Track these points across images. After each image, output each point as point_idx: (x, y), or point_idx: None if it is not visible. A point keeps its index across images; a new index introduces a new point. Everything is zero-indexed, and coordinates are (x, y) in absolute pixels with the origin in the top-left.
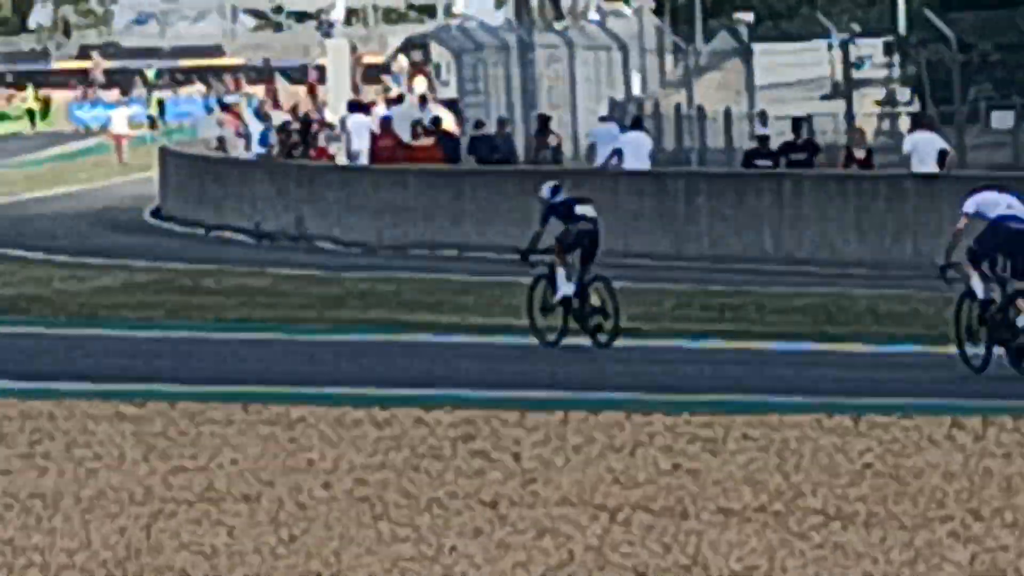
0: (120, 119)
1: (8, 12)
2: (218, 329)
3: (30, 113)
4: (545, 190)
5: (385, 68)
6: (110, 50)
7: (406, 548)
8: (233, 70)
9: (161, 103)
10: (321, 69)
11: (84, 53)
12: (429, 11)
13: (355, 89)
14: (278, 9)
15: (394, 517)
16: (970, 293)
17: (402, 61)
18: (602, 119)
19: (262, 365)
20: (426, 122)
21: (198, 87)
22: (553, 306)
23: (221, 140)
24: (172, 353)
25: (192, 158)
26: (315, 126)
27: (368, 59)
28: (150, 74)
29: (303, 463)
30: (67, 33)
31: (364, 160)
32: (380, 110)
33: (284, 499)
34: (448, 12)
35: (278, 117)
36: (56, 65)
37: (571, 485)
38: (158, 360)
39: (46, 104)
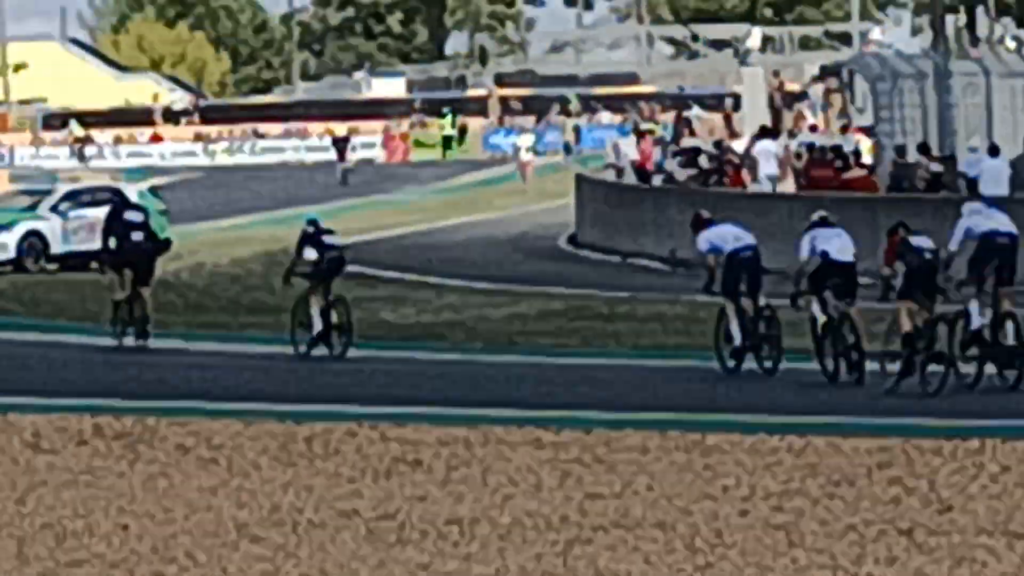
0: (522, 146)
1: (425, 40)
2: (634, 356)
3: (446, 140)
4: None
5: (801, 96)
6: (526, 78)
7: None
8: (648, 98)
9: (577, 130)
10: (737, 97)
11: (500, 81)
12: (845, 39)
13: (777, 115)
14: (694, 37)
15: (809, 544)
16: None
17: (818, 89)
18: (971, 150)
19: (677, 392)
20: (845, 150)
21: (608, 115)
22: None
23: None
24: (587, 380)
25: (608, 185)
26: (729, 154)
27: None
28: (572, 99)
29: (719, 490)
30: (483, 61)
31: (771, 187)
32: (804, 137)
33: (700, 526)
34: (864, 40)
35: (691, 144)
36: (472, 92)
37: (988, 513)
38: (576, 387)
39: (462, 131)
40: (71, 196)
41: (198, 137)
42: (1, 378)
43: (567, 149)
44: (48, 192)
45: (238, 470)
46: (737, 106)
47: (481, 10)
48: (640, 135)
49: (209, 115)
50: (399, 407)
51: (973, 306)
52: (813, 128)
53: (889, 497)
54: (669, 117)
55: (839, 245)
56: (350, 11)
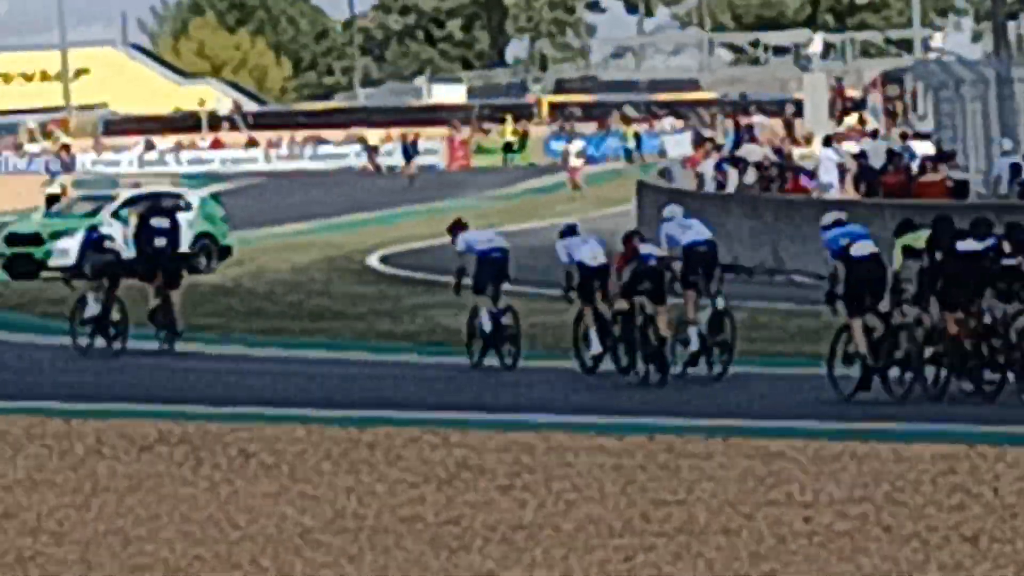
0: (572, 152)
1: (486, 46)
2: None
3: (507, 146)
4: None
5: (862, 102)
6: (587, 84)
7: None
8: (708, 104)
9: (638, 136)
10: (798, 103)
11: (560, 87)
12: (906, 46)
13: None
14: (755, 43)
15: (873, 551)
16: None
17: (878, 95)
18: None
19: (741, 399)
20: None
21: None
22: None
23: (664, 171)
24: (649, 386)
25: (669, 191)
26: (790, 160)
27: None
28: (629, 111)
29: (782, 496)
30: (543, 67)
31: (836, 193)
32: (852, 145)
33: (764, 532)
34: (926, 47)
35: (752, 152)
36: (533, 99)
37: None
38: (637, 393)
39: (523, 137)
40: (132, 202)
41: (252, 143)
42: (64, 383)
43: (627, 155)
44: (109, 198)
45: (301, 476)
46: (799, 112)
47: (542, 16)
48: (700, 142)
49: (270, 121)
50: (462, 412)
51: (692, 330)
52: (874, 134)
53: (953, 504)
54: (730, 123)
55: (589, 252)
56: (411, 17)
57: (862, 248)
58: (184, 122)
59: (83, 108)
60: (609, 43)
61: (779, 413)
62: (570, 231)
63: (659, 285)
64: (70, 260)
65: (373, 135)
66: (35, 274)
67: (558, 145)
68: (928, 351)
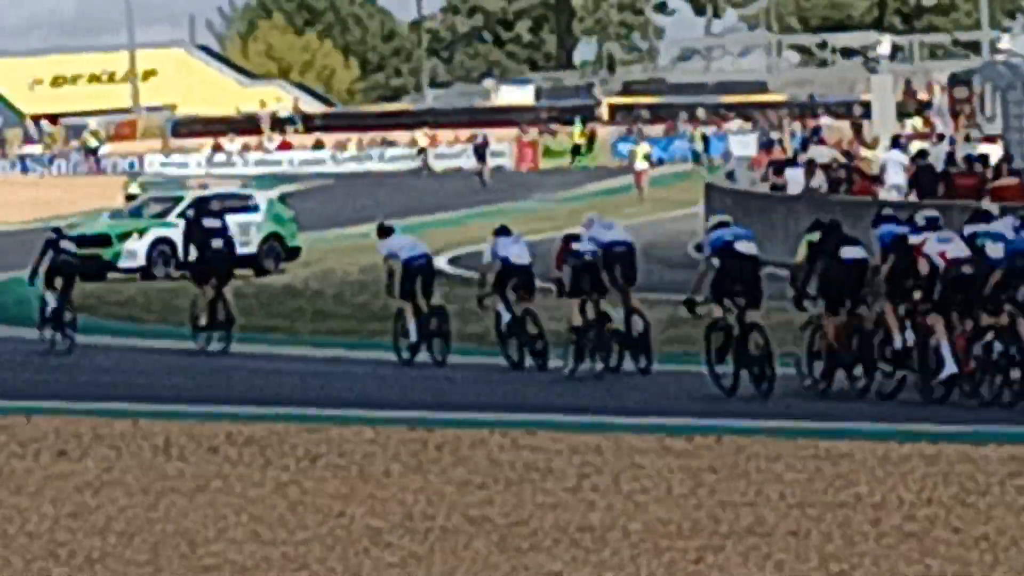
0: (639, 155)
1: (553, 48)
2: None
3: (575, 148)
4: None
5: (929, 104)
6: (654, 86)
7: None
8: (776, 106)
9: (705, 138)
10: (866, 105)
11: (628, 89)
12: (974, 47)
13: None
14: (823, 45)
15: (942, 553)
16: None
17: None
18: None
19: (812, 400)
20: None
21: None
22: None
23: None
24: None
25: (737, 194)
26: (857, 162)
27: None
28: (701, 113)
29: (851, 498)
30: (612, 69)
31: (902, 195)
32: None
33: (832, 534)
34: (994, 48)
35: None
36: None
37: None
38: (705, 394)
39: (591, 139)
40: (200, 203)
41: (320, 144)
42: (130, 383)
43: (695, 157)
44: (178, 199)
45: (369, 477)
46: (866, 114)
47: (610, 18)
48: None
49: (337, 123)
50: (530, 414)
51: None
52: (940, 137)
53: (1021, 505)
54: (797, 126)
55: (517, 251)
56: (479, 18)
57: (745, 247)
58: (252, 123)
59: (151, 110)
60: (677, 45)
61: (847, 415)
62: (504, 231)
63: (597, 280)
64: (139, 262)
65: (423, 137)
66: (103, 276)
67: (625, 147)
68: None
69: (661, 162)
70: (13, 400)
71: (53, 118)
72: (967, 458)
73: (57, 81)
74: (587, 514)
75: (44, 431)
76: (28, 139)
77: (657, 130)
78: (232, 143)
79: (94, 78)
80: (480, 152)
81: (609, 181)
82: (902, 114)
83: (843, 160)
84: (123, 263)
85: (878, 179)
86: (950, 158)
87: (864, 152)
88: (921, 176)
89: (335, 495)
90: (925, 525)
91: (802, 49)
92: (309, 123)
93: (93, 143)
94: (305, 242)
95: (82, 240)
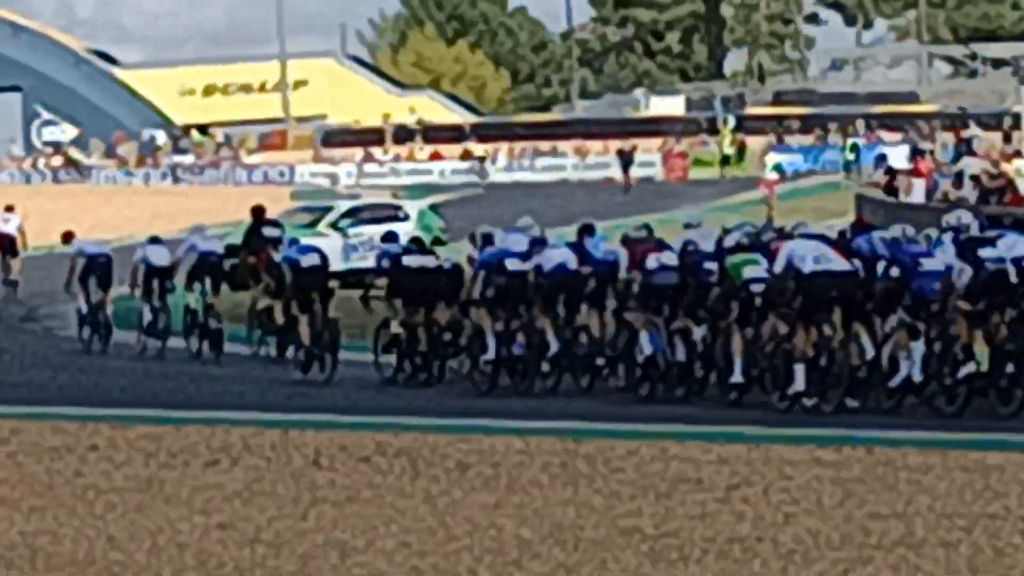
0: (767, 165)
1: (703, 58)
2: None
3: (725, 158)
4: None
5: None
6: (805, 96)
7: None
8: (927, 116)
9: (856, 148)
10: (1016, 116)
11: (778, 99)
12: None
13: None
14: (973, 56)
15: None
16: None
17: None
18: None
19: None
20: None
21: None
22: None
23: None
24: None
25: (888, 204)
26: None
27: None
28: (859, 125)
29: (1001, 509)
30: (761, 79)
31: None
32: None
33: (982, 546)
34: None
35: (972, 165)
36: (751, 111)
37: None
38: (855, 407)
39: (741, 149)
40: (351, 213)
41: (468, 154)
42: (278, 393)
43: (846, 168)
44: (328, 209)
45: (519, 488)
46: (1017, 125)
47: (760, 28)
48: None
49: (488, 132)
50: (679, 425)
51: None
52: None
53: None
54: (949, 136)
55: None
56: (629, 29)
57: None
58: (401, 134)
59: (301, 120)
60: (827, 55)
61: (996, 427)
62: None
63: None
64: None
65: (480, 148)
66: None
67: (776, 157)
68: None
69: (812, 172)
70: (162, 410)
71: (204, 128)
72: None
73: (208, 91)
74: (736, 525)
75: (194, 441)
76: (179, 149)
77: (807, 140)
78: (384, 153)
79: (245, 88)
80: (625, 162)
81: (760, 191)
82: None
83: (994, 171)
84: None
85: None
86: None
87: (1005, 165)
88: None
89: (485, 506)
90: None
91: (952, 60)
92: (459, 133)
93: (76, 155)
94: (456, 252)
95: (230, 250)
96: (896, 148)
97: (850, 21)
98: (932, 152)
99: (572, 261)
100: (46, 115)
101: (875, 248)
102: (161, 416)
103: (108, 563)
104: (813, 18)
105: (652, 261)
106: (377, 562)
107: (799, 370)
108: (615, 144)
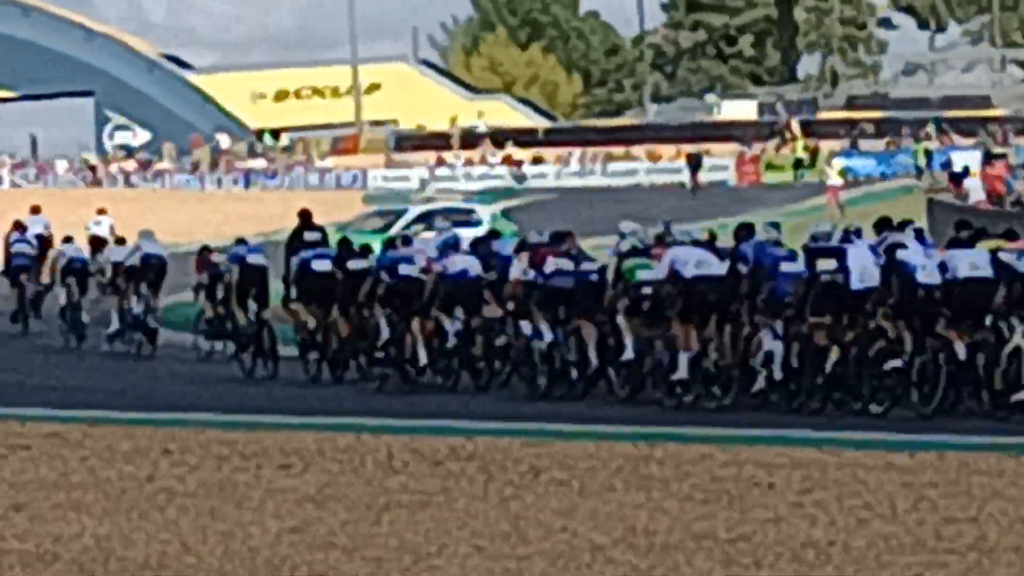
0: (832, 170)
1: (776, 63)
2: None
3: (797, 162)
4: None
5: None
6: (878, 101)
7: None
8: (1000, 121)
9: (928, 153)
10: None
11: (851, 103)
12: None
13: None
14: None
15: None
16: None
17: None
18: None
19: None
20: None
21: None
22: None
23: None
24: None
25: (960, 208)
26: None
27: None
28: (931, 129)
29: None
30: (834, 83)
31: None
32: None
33: None
34: None
35: None
36: (823, 115)
37: None
38: (931, 413)
39: (813, 154)
40: (424, 218)
41: (539, 159)
42: (352, 399)
43: (918, 172)
44: (401, 213)
45: (591, 492)
46: None
47: (833, 32)
48: (991, 159)
49: (561, 137)
50: (750, 430)
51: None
52: None
53: None
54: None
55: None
56: (702, 33)
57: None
58: (472, 138)
59: (374, 124)
60: (900, 59)
61: None
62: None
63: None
64: None
65: (516, 150)
66: None
67: (850, 162)
68: None
69: (883, 176)
70: (235, 415)
71: (276, 132)
72: None
73: (280, 95)
74: (810, 530)
75: (267, 445)
76: (251, 153)
77: (880, 145)
78: (455, 158)
79: (317, 92)
80: (694, 166)
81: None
82: None
83: None
84: None
85: None
86: None
87: None
88: None
89: (557, 510)
90: None
91: None
92: (532, 137)
93: (93, 161)
94: None
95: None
96: (969, 152)
97: (923, 25)
98: (1005, 156)
99: (475, 267)
100: (118, 119)
101: (746, 253)
102: (233, 421)
103: (181, 567)
104: (886, 22)
105: (550, 265)
106: (450, 567)
107: (683, 359)
108: (687, 148)
